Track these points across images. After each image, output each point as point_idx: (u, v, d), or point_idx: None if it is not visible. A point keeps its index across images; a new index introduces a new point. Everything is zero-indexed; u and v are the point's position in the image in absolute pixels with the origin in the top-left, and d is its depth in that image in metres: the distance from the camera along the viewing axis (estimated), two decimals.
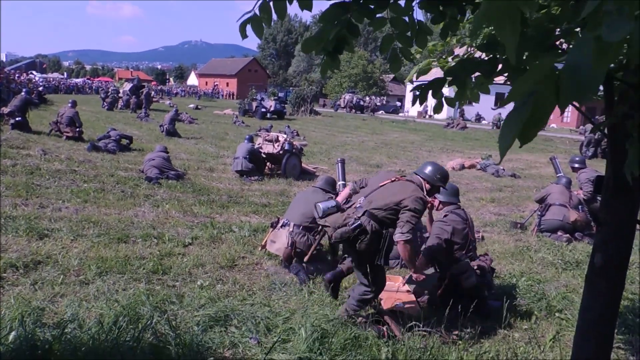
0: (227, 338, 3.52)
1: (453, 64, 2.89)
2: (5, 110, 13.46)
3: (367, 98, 42.52)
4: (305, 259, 5.12)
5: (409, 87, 41.57)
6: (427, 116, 41.61)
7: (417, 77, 3.05)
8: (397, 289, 4.61)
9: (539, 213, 7.46)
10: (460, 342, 3.77)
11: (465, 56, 2.94)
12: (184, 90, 64.04)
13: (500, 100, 37.24)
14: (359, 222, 3.67)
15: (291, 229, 5.18)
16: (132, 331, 3.25)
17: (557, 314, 4.50)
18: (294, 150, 10.85)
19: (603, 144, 17.11)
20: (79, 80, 64.23)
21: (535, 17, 1.98)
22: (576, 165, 8.13)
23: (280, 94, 38.54)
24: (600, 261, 2.44)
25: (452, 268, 4.32)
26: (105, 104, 26.64)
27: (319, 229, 5.35)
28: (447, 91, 2.57)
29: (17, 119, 13.04)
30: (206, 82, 74.18)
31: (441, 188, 4.63)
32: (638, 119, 1.67)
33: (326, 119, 32.61)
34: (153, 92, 32.38)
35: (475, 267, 4.33)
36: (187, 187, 8.84)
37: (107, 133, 12.70)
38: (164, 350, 3.06)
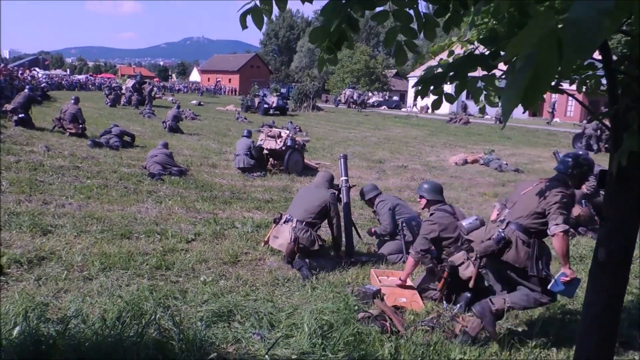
0: (230, 333, 3.53)
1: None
2: (9, 107, 13.51)
3: (355, 93, 42.22)
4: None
5: (412, 82, 41.46)
6: (429, 111, 41.51)
7: (419, 83, 3.04)
8: (400, 284, 4.61)
9: None
10: (462, 336, 3.77)
11: (465, 53, 2.93)
12: (186, 86, 64.02)
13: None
14: (502, 234, 3.64)
15: (294, 225, 5.18)
16: (135, 327, 3.26)
17: (560, 309, 4.49)
18: (296, 146, 10.84)
19: (604, 137, 17.00)
20: (82, 77, 64.25)
21: None
22: None
23: (283, 90, 38.51)
24: (604, 256, 2.43)
25: (449, 261, 4.32)
26: (108, 100, 26.68)
27: (320, 224, 5.36)
28: (450, 88, 2.56)
29: (20, 115, 13.07)
30: (208, 79, 74.13)
31: (425, 187, 4.73)
32: None
33: (329, 114, 32.57)
34: (156, 89, 32.36)
35: (474, 258, 4.33)
36: (190, 184, 8.85)
37: (109, 129, 12.72)
38: (167, 345, 3.07)
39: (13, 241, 5.12)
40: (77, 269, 4.59)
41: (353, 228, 5.81)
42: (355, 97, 41.83)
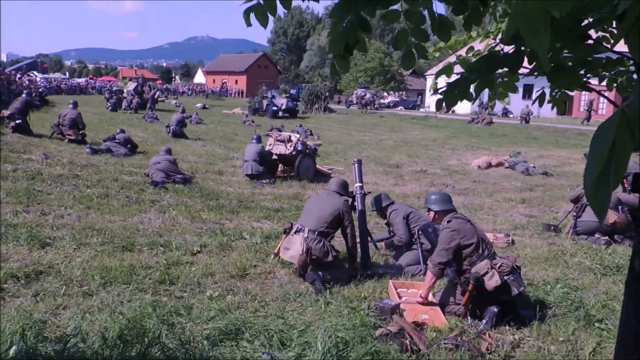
0: (238, 353, 3.52)
1: (474, 59, 2.85)
2: (6, 112, 13.67)
3: (367, 93, 42.03)
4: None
5: (429, 81, 41.35)
6: (449, 111, 41.29)
7: (436, 78, 3.02)
8: (421, 301, 4.57)
9: (574, 214, 7.34)
10: (490, 355, 3.71)
11: (486, 51, 2.90)
12: (190, 88, 64.58)
13: (528, 93, 36.87)
14: None
15: (306, 235, 5.17)
16: (138, 346, 3.27)
17: (596, 324, 4.40)
18: (307, 150, 10.86)
19: None
20: (82, 80, 65.26)
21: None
22: None
23: (292, 91, 38.63)
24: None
25: (472, 271, 4.27)
26: (109, 104, 27.00)
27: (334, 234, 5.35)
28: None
29: (17, 121, 13.25)
30: (214, 80, 74.72)
31: (432, 198, 4.72)
32: None
33: (341, 116, 32.61)
34: (159, 92, 32.72)
35: (498, 265, 4.27)
36: (195, 192, 8.90)
37: (112, 135, 12.80)
38: None
39: (10, 255, 5.18)
40: (76, 283, 4.63)
41: (369, 237, 5.79)
42: (368, 97, 41.74)
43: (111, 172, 10.02)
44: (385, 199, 6.17)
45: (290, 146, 10.67)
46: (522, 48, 2.19)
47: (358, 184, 5.80)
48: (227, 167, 11.86)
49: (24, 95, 14.74)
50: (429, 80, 43.39)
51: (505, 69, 2.33)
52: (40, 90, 29.79)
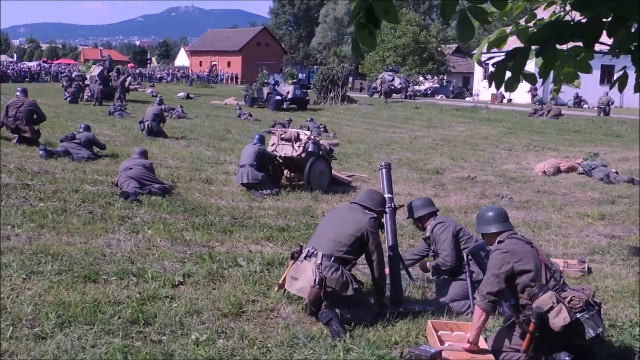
0: None
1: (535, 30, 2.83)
2: None
3: (395, 78, 41.96)
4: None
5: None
6: (504, 100, 41.18)
7: (482, 48, 3.02)
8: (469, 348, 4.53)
9: None
10: None
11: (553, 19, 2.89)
12: (170, 73, 65.24)
13: (608, 76, 36.43)
14: None
15: (319, 261, 5.16)
16: None
17: None
18: (320, 152, 10.86)
19: None
20: (33, 64, 66.26)
21: None
22: None
23: (301, 76, 38.91)
24: None
25: (534, 307, 4.21)
26: (68, 94, 27.31)
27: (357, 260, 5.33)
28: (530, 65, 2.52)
29: None
30: (200, 62, 75.41)
31: (488, 216, 4.78)
32: None
33: (364, 108, 32.56)
34: (130, 78, 33.11)
35: (568, 299, 4.21)
36: (177, 206, 8.95)
37: (72, 133, 12.89)
38: None
39: None
40: (26, 323, 4.66)
41: (401, 265, 5.76)
42: (399, 84, 41.67)
43: (70, 180, 10.11)
44: (427, 206, 6.09)
45: (299, 147, 10.68)
46: (601, 16, 2.17)
47: (387, 196, 5.79)
48: (217, 174, 11.92)
49: None
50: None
51: (577, 44, 2.31)
52: None
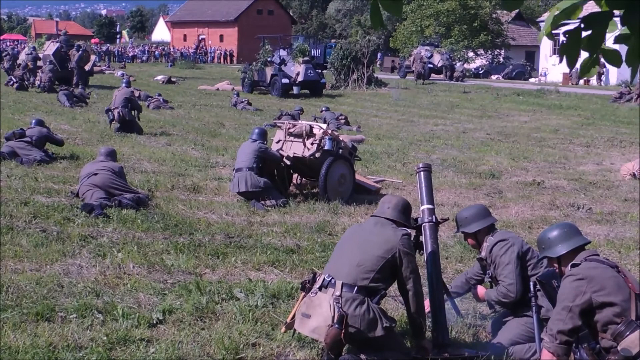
0: None
1: None
2: None
3: (435, 54, 41.84)
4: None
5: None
6: (580, 82, 40.89)
7: (555, 27, 2.99)
8: None
9: None
10: None
11: None
12: (147, 50, 65.60)
13: None
14: None
15: (338, 293, 5.16)
16: None
17: None
18: (340, 151, 10.85)
19: None
20: None
21: None
22: None
23: (315, 52, 38.82)
24: None
25: (620, 349, 4.19)
26: (14, 79, 27.52)
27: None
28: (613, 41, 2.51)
29: None
30: (185, 36, 75.79)
31: (552, 235, 4.81)
32: None
33: (396, 92, 32.51)
34: (95, 58, 33.32)
35: None
36: (155, 222, 8.98)
37: (20, 129, 12.95)
38: None
39: None
40: None
41: (446, 296, 5.74)
42: (439, 61, 41.49)
43: (18, 190, 10.18)
44: (483, 217, 6.03)
45: (312, 144, 10.67)
46: None
47: (426, 206, 5.76)
48: (207, 181, 11.96)
49: None
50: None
51: None
52: None
